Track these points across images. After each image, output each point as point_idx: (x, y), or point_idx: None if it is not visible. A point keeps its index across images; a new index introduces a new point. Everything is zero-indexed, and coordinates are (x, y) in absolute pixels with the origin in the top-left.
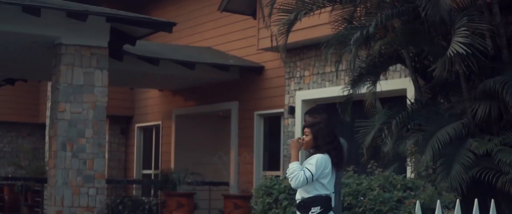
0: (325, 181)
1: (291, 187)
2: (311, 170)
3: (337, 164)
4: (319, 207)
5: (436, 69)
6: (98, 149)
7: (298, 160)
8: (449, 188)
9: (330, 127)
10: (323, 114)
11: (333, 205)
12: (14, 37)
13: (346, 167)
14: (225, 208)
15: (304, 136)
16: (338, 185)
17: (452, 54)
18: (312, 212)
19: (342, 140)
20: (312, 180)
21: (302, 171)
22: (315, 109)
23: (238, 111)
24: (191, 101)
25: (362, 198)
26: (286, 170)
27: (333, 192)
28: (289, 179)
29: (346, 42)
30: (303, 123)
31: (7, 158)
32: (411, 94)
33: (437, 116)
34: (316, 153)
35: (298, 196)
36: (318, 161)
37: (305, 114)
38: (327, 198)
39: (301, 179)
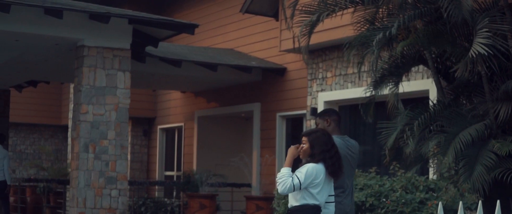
0: (315, 191)
1: None
2: (299, 178)
3: (333, 173)
4: None
5: (458, 70)
6: (121, 151)
7: (290, 167)
8: (471, 189)
9: (327, 135)
10: (334, 116)
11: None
12: (36, 39)
13: (343, 175)
14: (247, 209)
15: (303, 144)
16: (350, 188)
17: (473, 55)
18: None
19: (352, 142)
20: (300, 188)
21: (291, 178)
22: (326, 111)
23: (260, 112)
24: (214, 102)
25: (384, 200)
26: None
27: (331, 201)
28: (277, 184)
29: (368, 43)
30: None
31: (30, 160)
32: (433, 96)
33: (459, 117)
34: (310, 162)
35: (289, 204)
36: (308, 170)
37: (316, 116)
38: (314, 208)
39: (288, 186)
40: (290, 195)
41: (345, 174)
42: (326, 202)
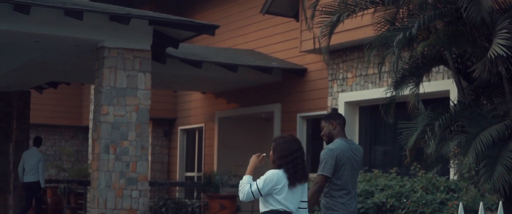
0: (280, 197)
1: None
2: (258, 184)
3: (292, 179)
4: None
5: (476, 71)
6: (141, 152)
7: (251, 175)
8: (492, 189)
9: (288, 142)
10: (339, 119)
11: None
12: (56, 40)
13: (307, 180)
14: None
15: (271, 153)
16: (354, 190)
17: (492, 56)
18: None
19: (357, 145)
20: (260, 195)
21: (249, 184)
22: (332, 115)
23: (280, 113)
24: (234, 103)
25: (405, 200)
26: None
27: (304, 208)
28: (239, 192)
29: (388, 43)
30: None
31: (50, 161)
32: (454, 96)
33: (480, 117)
34: (273, 168)
35: (260, 211)
36: (267, 177)
37: (322, 119)
38: (281, 213)
39: (246, 192)
40: (260, 203)
41: (348, 176)
42: (299, 208)
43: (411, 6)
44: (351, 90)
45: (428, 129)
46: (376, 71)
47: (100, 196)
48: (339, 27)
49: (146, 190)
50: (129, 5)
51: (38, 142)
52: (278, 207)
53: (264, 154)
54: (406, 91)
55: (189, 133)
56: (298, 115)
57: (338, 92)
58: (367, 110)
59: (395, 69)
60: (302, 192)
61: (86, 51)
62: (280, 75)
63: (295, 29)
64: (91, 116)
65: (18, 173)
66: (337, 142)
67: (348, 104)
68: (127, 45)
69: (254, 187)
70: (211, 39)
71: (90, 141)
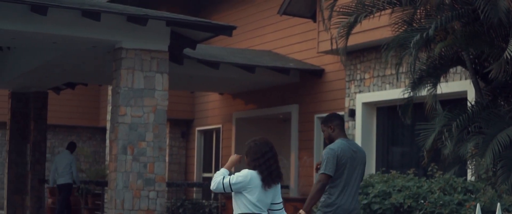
0: (252, 197)
1: None
2: (231, 179)
3: (267, 180)
4: None
5: (492, 71)
6: (159, 152)
7: (227, 169)
8: (509, 190)
9: (260, 145)
10: (337, 121)
11: None
12: (74, 41)
13: (279, 181)
14: (285, 211)
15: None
16: (353, 190)
17: (508, 57)
18: None
19: (357, 146)
20: (231, 189)
21: (223, 176)
22: (329, 117)
23: (298, 113)
24: (251, 104)
25: (422, 201)
26: None
27: (278, 209)
28: (212, 181)
29: (406, 44)
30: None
31: None
32: (471, 97)
33: (497, 118)
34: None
35: (234, 212)
36: (242, 174)
37: (321, 124)
38: None
39: (218, 182)
40: (233, 204)
41: (348, 175)
42: (274, 210)
43: (429, 7)
44: (369, 91)
45: (445, 130)
46: (393, 72)
47: (118, 196)
48: (357, 28)
49: (163, 191)
50: (146, 6)
51: (71, 147)
52: (251, 208)
53: (241, 156)
54: (424, 92)
55: (207, 134)
56: (316, 115)
57: (355, 93)
58: (385, 110)
59: (412, 70)
60: (274, 193)
61: (104, 52)
62: (298, 76)
63: (313, 30)
64: (108, 117)
65: (50, 178)
66: (338, 142)
67: (366, 105)
68: (145, 46)
69: (226, 180)
70: (228, 40)
71: (107, 141)
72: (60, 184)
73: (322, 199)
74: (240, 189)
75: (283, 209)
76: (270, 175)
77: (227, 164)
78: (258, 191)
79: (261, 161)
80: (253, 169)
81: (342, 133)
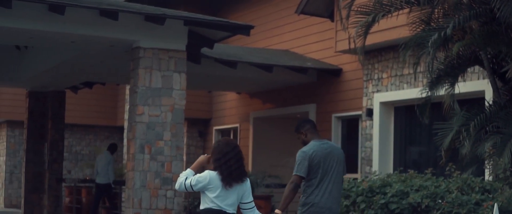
0: (212, 195)
1: (369, 190)
2: (192, 179)
3: (227, 179)
4: None
5: (510, 71)
6: (176, 152)
7: (193, 170)
8: None
9: (222, 146)
10: (307, 126)
11: None
12: (91, 40)
13: (242, 181)
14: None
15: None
16: (328, 188)
17: None
18: None
19: (331, 145)
20: (192, 189)
21: (186, 177)
22: (299, 125)
23: (315, 113)
24: (269, 104)
25: (440, 201)
26: None
27: (249, 208)
28: (177, 181)
29: (424, 44)
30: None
31: (85, 161)
32: (489, 96)
33: None
34: (211, 170)
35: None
36: (201, 176)
37: (294, 131)
38: (217, 212)
39: (180, 183)
40: (201, 200)
41: (323, 174)
42: (244, 209)
43: (446, 6)
44: (386, 91)
45: (463, 130)
46: (411, 71)
47: (135, 195)
48: (374, 27)
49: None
50: (164, 5)
51: (112, 148)
52: (211, 205)
53: (209, 156)
54: (442, 91)
55: (224, 133)
56: (333, 115)
57: (373, 92)
58: (402, 110)
59: (430, 69)
60: (240, 192)
61: (121, 51)
62: (315, 75)
63: (330, 29)
64: (126, 116)
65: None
66: (310, 144)
67: (383, 104)
68: (162, 45)
69: (188, 181)
70: (245, 39)
71: (125, 141)
72: (98, 183)
73: (300, 198)
74: (200, 189)
75: (255, 208)
76: (230, 175)
77: (194, 164)
78: (219, 190)
79: (222, 161)
80: (214, 169)
81: (315, 135)
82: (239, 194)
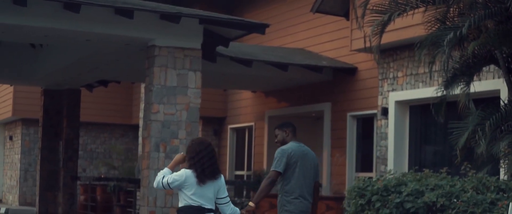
0: (189, 193)
1: (384, 189)
2: (169, 178)
3: (200, 177)
4: None
5: None
6: None
7: (171, 169)
8: None
9: (196, 145)
10: (291, 127)
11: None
12: (107, 39)
13: (215, 178)
14: (317, 209)
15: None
16: (303, 189)
17: None
18: None
19: (308, 149)
20: (169, 187)
21: (163, 176)
22: (284, 124)
23: (331, 112)
24: (284, 102)
25: (455, 200)
26: None
27: (225, 203)
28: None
29: (439, 43)
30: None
31: (100, 159)
32: (504, 96)
33: None
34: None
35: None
36: (176, 175)
37: (275, 128)
38: (195, 208)
39: (158, 181)
40: (179, 198)
41: (300, 175)
42: (219, 204)
43: (462, 5)
44: (402, 90)
45: (478, 129)
46: (426, 70)
47: (150, 194)
48: (390, 26)
49: None
50: (179, 4)
51: None
52: (190, 202)
53: (185, 155)
54: (457, 90)
55: (239, 132)
56: (348, 114)
57: (388, 91)
58: (418, 109)
59: (445, 68)
60: (215, 188)
61: (137, 50)
62: (331, 74)
63: (345, 28)
64: (141, 114)
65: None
66: (289, 144)
67: (399, 103)
68: (178, 44)
69: (165, 179)
70: (260, 38)
71: (140, 139)
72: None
73: (278, 199)
74: (177, 187)
75: (230, 202)
76: (204, 172)
77: (171, 163)
78: (195, 187)
79: (195, 159)
80: (189, 167)
81: (295, 137)
82: (214, 190)
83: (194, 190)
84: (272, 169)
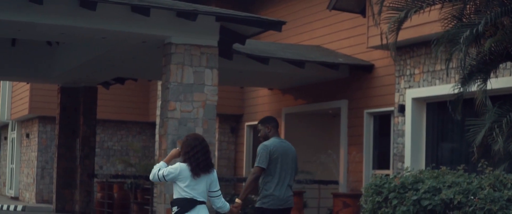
0: (183, 185)
1: (401, 186)
2: (164, 171)
3: (195, 170)
4: (176, 207)
5: None
6: None
7: (166, 163)
8: None
9: (191, 140)
10: (273, 123)
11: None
12: (123, 36)
13: (209, 172)
14: (334, 206)
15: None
16: (285, 181)
17: None
18: (173, 211)
19: (288, 144)
20: (165, 180)
21: (159, 168)
22: (267, 119)
23: (347, 109)
24: (301, 99)
25: (472, 197)
26: None
27: (216, 196)
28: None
29: (456, 40)
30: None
31: (117, 156)
32: None
33: None
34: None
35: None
36: (172, 168)
37: (258, 123)
38: (188, 200)
39: (154, 174)
40: (173, 190)
41: (280, 169)
42: (211, 197)
43: (478, 2)
44: (419, 87)
45: (495, 126)
46: (443, 67)
47: (167, 191)
48: (406, 23)
49: None
50: (195, 1)
51: None
52: (184, 194)
53: (180, 150)
54: (474, 87)
55: (256, 129)
56: (365, 111)
57: (405, 88)
58: (435, 106)
59: (462, 65)
60: (208, 182)
61: (153, 47)
62: (347, 71)
63: (362, 25)
64: (158, 112)
65: None
66: (271, 140)
67: (415, 100)
68: (194, 41)
69: (160, 172)
70: (276, 35)
71: (157, 136)
72: None
73: (260, 192)
74: (172, 179)
75: (221, 196)
76: (198, 166)
77: (167, 157)
78: (188, 180)
79: (190, 154)
80: (184, 162)
81: (276, 133)
82: (207, 184)
83: (188, 183)
84: (255, 165)
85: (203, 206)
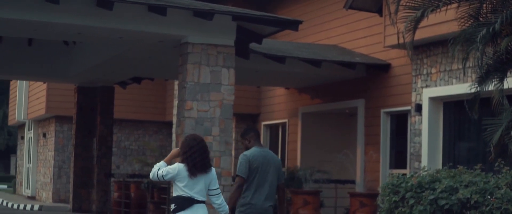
0: (181, 184)
1: (418, 186)
2: (163, 170)
3: (192, 170)
4: (173, 205)
5: None
6: (225, 147)
7: (166, 162)
8: None
9: (189, 141)
10: (251, 133)
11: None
12: (140, 36)
13: (208, 171)
14: (351, 206)
15: None
16: (264, 189)
17: None
18: (171, 209)
19: (270, 153)
20: (163, 179)
21: (158, 168)
22: (244, 132)
23: (364, 108)
24: (317, 99)
25: (489, 197)
26: None
27: (215, 194)
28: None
29: (473, 39)
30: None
31: (134, 156)
32: None
33: None
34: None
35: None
36: (170, 168)
37: (240, 137)
38: (185, 199)
39: (154, 173)
40: (173, 189)
41: (260, 178)
42: (210, 195)
43: (495, 1)
44: (435, 86)
45: None
46: (460, 66)
47: None
48: (423, 22)
49: (229, 185)
50: (212, 1)
51: None
52: (181, 193)
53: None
54: (491, 87)
55: (273, 129)
56: (382, 110)
57: (422, 88)
58: (451, 105)
59: (479, 64)
60: (206, 181)
61: (170, 47)
62: (364, 70)
63: (379, 24)
64: (175, 111)
65: None
66: (251, 150)
67: (432, 100)
68: (211, 41)
69: (159, 171)
70: (293, 34)
71: (174, 136)
72: None
73: (239, 201)
74: (170, 179)
75: (220, 194)
76: (194, 166)
77: (167, 157)
78: (186, 180)
79: (187, 154)
80: (182, 161)
81: (257, 142)
82: (205, 183)
83: (186, 182)
84: (237, 174)
85: (202, 205)
